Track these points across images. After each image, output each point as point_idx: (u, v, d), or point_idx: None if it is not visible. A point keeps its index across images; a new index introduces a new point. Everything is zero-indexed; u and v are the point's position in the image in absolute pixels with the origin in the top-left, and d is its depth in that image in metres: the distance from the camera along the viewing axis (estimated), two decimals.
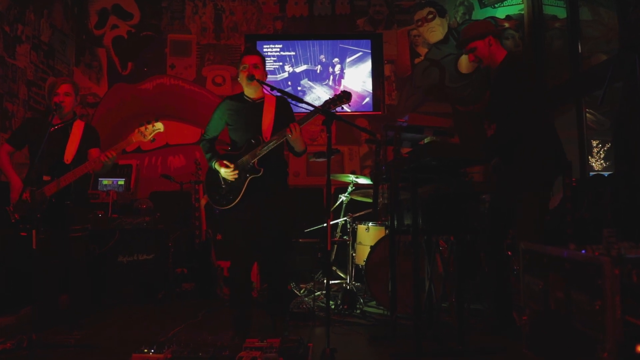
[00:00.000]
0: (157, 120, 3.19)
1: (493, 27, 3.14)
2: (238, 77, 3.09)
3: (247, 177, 2.93)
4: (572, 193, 3.74)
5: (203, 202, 3.06)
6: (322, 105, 2.81)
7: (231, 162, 2.95)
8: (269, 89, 2.84)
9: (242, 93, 3.15)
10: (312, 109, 2.75)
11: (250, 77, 2.92)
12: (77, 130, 3.35)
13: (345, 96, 2.79)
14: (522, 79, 2.95)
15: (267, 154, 2.91)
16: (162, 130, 3.19)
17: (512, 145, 2.92)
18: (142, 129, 3.16)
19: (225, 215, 3.02)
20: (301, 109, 2.83)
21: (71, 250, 3.28)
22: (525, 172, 2.92)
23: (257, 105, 3.08)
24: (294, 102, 2.71)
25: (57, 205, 3.17)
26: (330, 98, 2.82)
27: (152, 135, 3.18)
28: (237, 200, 2.94)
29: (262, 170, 2.92)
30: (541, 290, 1.73)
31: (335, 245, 4.55)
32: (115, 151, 3.14)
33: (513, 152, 2.93)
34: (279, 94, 2.81)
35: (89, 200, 3.60)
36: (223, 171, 2.94)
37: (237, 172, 2.94)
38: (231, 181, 2.96)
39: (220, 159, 2.99)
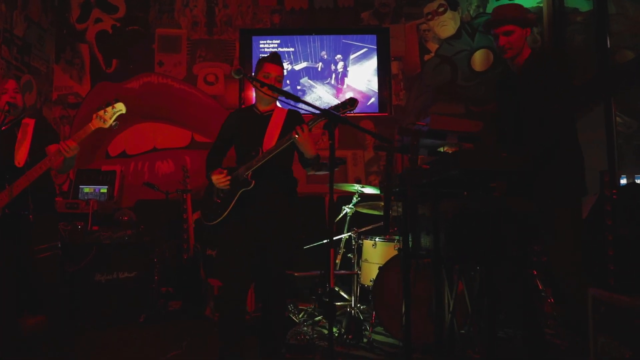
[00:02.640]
0: (117, 101, 2.71)
1: (534, 19, 2.70)
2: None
3: (238, 190, 2.61)
4: (613, 207, 3.27)
5: (193, 217, 2.81)
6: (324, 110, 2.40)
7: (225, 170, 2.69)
8: (282, 100, 2.49)
9: (253, 105, 2.88)
10: (316, 111, 2.33)
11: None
12: (26, 128, 2.88)
13: (350, 102, 2.40)
14: (557, 75, 2.51)
15: (268, 166, 2.58)
16: (124, 111, 2.72)
17: (548, 153, 2.47)
18: (101, 113, 2.69)
19: (216, 233, 2.71)
20: (303, 109, 2.41)
21: (40, 274, 2.79)
22: (561, 183, 2.47)
23: (264, 118, 2.77)
24: (290, 101, 2.27)
25: (12, 217, 2.70)
26: (333, 105, 2.45)
27: (113, 118, 2.70)
28: (224, 215, 2.63)
29: (253, 182, 2.59)
30: None
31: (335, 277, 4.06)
32: (74, 141, 2.67)
33: (547, 160, 2.48)
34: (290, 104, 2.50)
35: (56, 210, 3.11)
36: (214, 178, 2.66)
37: (229, 177, 2.64)
38: (224, 195, 2.67)
39: (215, 169, 2.73)
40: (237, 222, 2.64)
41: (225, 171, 2.67)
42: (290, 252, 2.77)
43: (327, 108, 2.40)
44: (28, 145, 2.82)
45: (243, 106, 5.29)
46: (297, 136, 2.46)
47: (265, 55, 5.48)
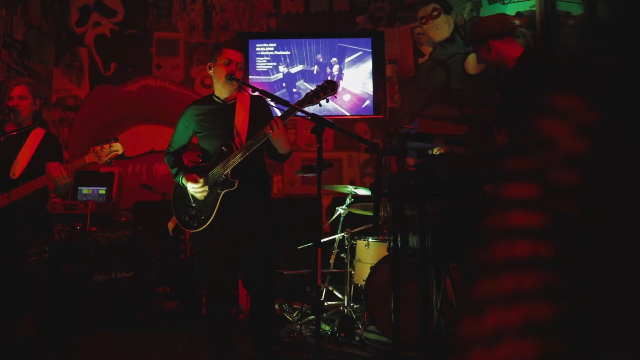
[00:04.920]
0: (115, 140, 2.77)
1: (494, 26, 2.65)
2: (210, 70, 2.64)
3: (220, 192, 2.49)
4: None
5: (170, 225, 2.58)
6: (303, 99, 2.37)
7: (200, 176, 2.52)
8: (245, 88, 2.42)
9: (212, 95, 2.72)
10: (303, 114, 2.34)
11: (230, 77, 2.51)
12: (33, 139, 2.91)
13: (329, 86, 2.35)
14: (544, 75, 2.55)
15: (244, 163, 2.47)
16: (120, 152, 2.77)
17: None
18: (98, 148, 2.74)
19: (197, 240, 2.62)
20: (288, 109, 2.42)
21: (28, 277, 2.84)
22: None
23: (228, 107, 2.63)
24: (277, 104, 2.30)
25: (1, 226, 2.76)
26: (312, 90, 2.37)
27: (108, 157, 2.75)
28: (209, 221, 2.49)
29: (236, 182, 2.47)
30: None
31: (329, 276, 4.12)
32: (65, 171, 2.70)
33: None
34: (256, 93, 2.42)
35: (48, 218, 3.15)
36: (190, 187, 2.50)
37: (206, 187, 2.49)
38: (201, 198, 2.53)
39: (187, 172, 2.57)
40: (221, 226, 2.51)
41: (201, 180, 2.49)
42: (274, 249, 2.65)
43: (306, 94, 2.37)
44: (28, 158, 2.85)
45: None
46: (271, 132, 2.37)
47: (261, 58, 5.62)
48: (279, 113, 2.71)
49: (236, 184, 2.47)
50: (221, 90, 2.65)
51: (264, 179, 2.69)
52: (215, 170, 2.51)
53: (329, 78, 5.61)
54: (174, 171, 2.65)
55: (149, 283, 4.23)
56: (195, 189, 2.49)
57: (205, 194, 2.49)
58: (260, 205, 2.59)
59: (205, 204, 2.53)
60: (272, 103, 2.65)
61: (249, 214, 2.53)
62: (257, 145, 2.45)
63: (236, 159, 2.45)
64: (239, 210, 2.51)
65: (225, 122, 2.58)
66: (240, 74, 2.59)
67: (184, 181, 2.54)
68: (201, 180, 2.49)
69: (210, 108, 2.66)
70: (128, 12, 5.71)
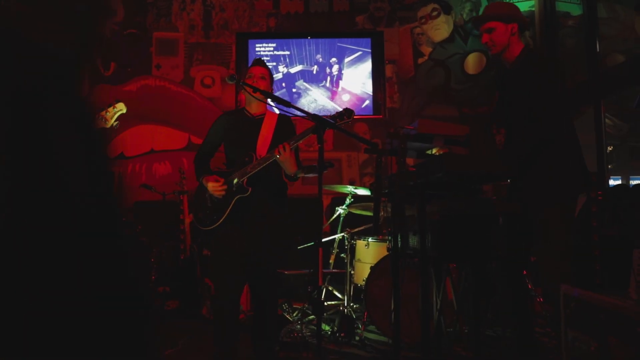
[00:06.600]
0: (117, 101, 2.84)
1: (522, 16, 2.74)
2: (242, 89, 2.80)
3: (234, 197, 2.65)
4: (598, 208, 3.35)
5: (188, 220, 2.77)
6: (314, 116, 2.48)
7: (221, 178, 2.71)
8: (271, 104, 2.53)
9: (243, 108, 2.92)
10: (303, 114, 2.39)
11: (231, 77, 2.54)
12: None
13: (346, 113, 2.51)
14: (545, 75, 2.54)
15: (262, 173, 2.63)
16: (124, 110, 2.88)
17: (535, 154, 2.52)
18: (103, 113, 2.84)
19: (210, 238, 2.76)
20: (293, 114, 2.52)
21: None
22: (549, 183, 2.50)
23: (256, 122, 2.82)
24: (284, 108, 2.35)
25: None
26: (330, 115, 2.54)
27: (114, 118, 2.85)
28: (220, 221, 2.65)
29: (250, 189, 2.64)
30: (594, 354, 1.32)
31: (328, 276, 4.12)
32: None
33: (534, 161, 2.53)
34: (280, 109, 2.60)
35: None
36: (210, 185, 2.66)
37: (225, 187, 2.66)
38: (217, 200, 2.69)
39: (208, 174, 2.74)
40: (232, 228, 2.66)
41: (221, 180, 2.68)
42: (282, 254, 2.82)
43: (324, 117, 2.47)
44: None
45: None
46: (278, 155, 2.54)
47: (263, 56, 5.62)
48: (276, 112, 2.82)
49: (249, 191, 2.64)
50: (250, 105, 2.84)
51: (280, 187, 2.81)
52: (233, 176, 2.68)
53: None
54: (197, 172, 2.84)
55: (149, 283, 4.23)
56: (215, 187, 2.65)
57: (222, 193, 2.65)
58: (273, 212, 2.72)
59: (219, 206, 2.68)
60: (279, 107, 2.72)
61: (263, 220, 2.67)
62: (267, 163, 2.60)
63: (253, 169, 2.63)
64: (253, 216, 2.65)
65: (251, 135, 2.76)
66: (263, 83, 2.76)
67: (203, 181, 2.72)
68: (221, 180, 2.68)
69: (239, 120, 2.86)
70: (128, 12, 5.71)
